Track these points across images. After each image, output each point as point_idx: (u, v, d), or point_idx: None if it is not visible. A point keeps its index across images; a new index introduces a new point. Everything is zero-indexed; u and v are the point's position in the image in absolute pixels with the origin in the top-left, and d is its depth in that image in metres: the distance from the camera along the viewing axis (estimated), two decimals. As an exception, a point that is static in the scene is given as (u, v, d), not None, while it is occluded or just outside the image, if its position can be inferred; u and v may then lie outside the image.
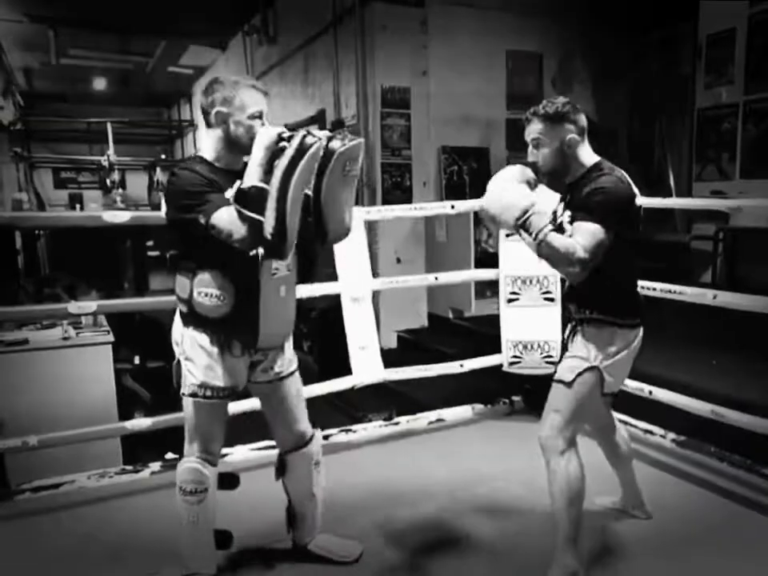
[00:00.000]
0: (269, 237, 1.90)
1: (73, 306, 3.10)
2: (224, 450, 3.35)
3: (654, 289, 3.24)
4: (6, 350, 3.36)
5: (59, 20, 8.21)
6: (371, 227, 5.52)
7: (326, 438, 3.64)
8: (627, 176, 2.21)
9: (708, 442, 3.27)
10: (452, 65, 6.26)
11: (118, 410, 3.53)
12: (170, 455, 3.37)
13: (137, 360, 4.79)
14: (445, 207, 3.98)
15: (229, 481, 2.32)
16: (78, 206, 12.76)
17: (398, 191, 6.06)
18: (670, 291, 3.19)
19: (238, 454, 3.35)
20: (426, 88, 6.02)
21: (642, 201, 3.60)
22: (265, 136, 2.00)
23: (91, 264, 6.98)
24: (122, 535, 2.67)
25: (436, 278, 4.09)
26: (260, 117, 2.11)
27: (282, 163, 1.90)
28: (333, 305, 3.73)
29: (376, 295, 4.07)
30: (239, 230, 1.94)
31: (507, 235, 3.82)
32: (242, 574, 2.41)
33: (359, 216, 3.64)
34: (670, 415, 3.30)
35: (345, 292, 3.55)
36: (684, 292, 3.15)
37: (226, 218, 1.95)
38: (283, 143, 1.95)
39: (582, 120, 2.21)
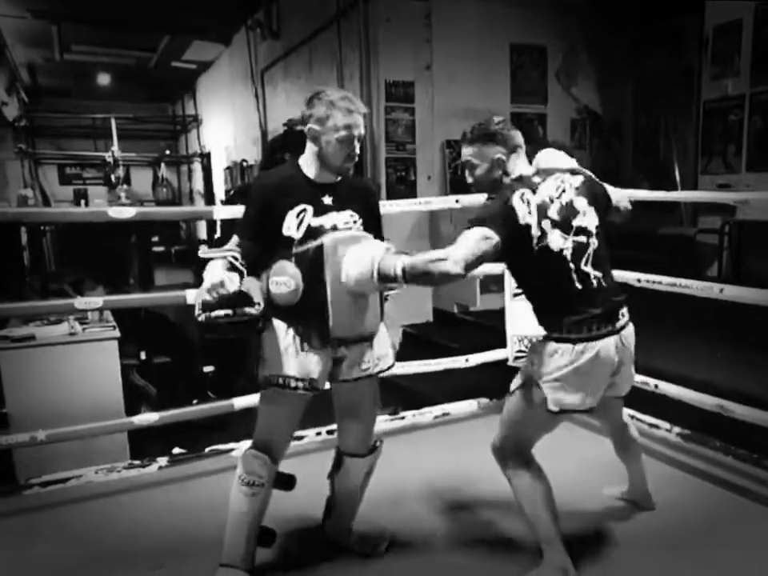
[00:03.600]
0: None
1: (79, 302, 3.10)
2: (231, 445, 3.38)
3: (660, 282, 3.23)
4: (13, 345, 3.37)
5: (62, 15, 8.22)
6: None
7: (331, 432, 3.65)
8: (520, 197, 2.14)
9: (713, 436, 3.27)
10: (456, 59, 6.24)
11: (124, 405, 3.54)
12: (177, 450, 3.39)
13: (143, 356, 4.80)
14: (449, 201, 3.97)
15: (286, 481, 2.32)
16: (83, 201, 12.79)
17: (403, 186, 6.07)
18: (675, 285, 3.18)
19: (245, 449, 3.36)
20: (430, 82, 6.02)
21: (647, 194, 3.61)
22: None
23: (97, 260, 7.00)
24: (130, 530, 2.68)
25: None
26: (350, 141, 2.15)
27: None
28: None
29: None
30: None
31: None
32: (272, 561, 2.42)
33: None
34: (677, 409, 3.29)
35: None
36: (690, 285, 3.14)
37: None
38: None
39: (514, 138, 2.24)
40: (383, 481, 3.02)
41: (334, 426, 3.65)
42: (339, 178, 2.23)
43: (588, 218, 2.21)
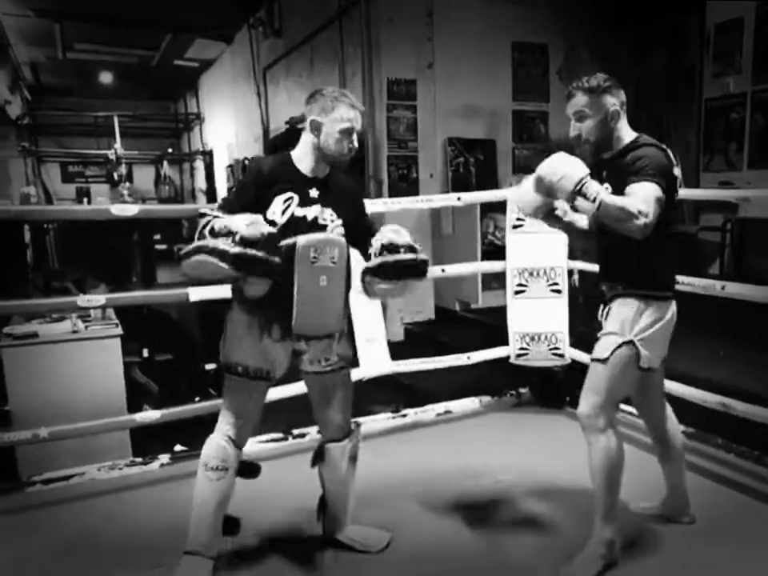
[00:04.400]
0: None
1: (82, 299, 3.11)
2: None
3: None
4: (15, 343, 3.37)
5: (65, 14, 8.22)
6: (377, 219, 5.52)
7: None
8: (667, 149, 2.22)
9: (715, 434, 3.27)
10: (458, 57, 6.24)
11: (126, 402, 3.55)
12: (178, 447, 3.40)
13: (145, 353, 4.81)
14: (451, 199, 3.97)
15: (251, 469, 2.34)
16: (85, 199, 12.79)
17: (405, 183, 6.06)
18: (677, 282, 3.18)
19: (249, 446, 3.36)
20: (431, 80, 6.02)
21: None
22: (244, 225, 2.01)
23: (99, 257, 7.00)
24: (132, 527, 2.69)
25: (443, 270, 4.08)
26: (350, 133, 2.23)
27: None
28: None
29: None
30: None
31: (514, 227, 3.82)
32: (267, 561, 2.44)
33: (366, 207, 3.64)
34: (679, 406, 3.29)
35: (351, 285, 3.55)
36: (692, 283, 3.14)
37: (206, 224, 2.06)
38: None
39: (622, 95, 2.24)
40: (386, 478, 3.04)
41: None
42: (328, 174, 2.28)
43: None
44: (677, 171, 2.20)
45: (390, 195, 5.74)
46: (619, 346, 2.23)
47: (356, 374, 3.57)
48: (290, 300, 2.11)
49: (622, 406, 3.82)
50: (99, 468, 3.20)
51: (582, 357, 3.70)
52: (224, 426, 2.27)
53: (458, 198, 3.87)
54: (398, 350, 3.84)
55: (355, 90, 6.19)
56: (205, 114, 12.44)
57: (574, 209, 2.20)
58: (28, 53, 10.12)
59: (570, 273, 3.84)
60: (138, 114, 12.97)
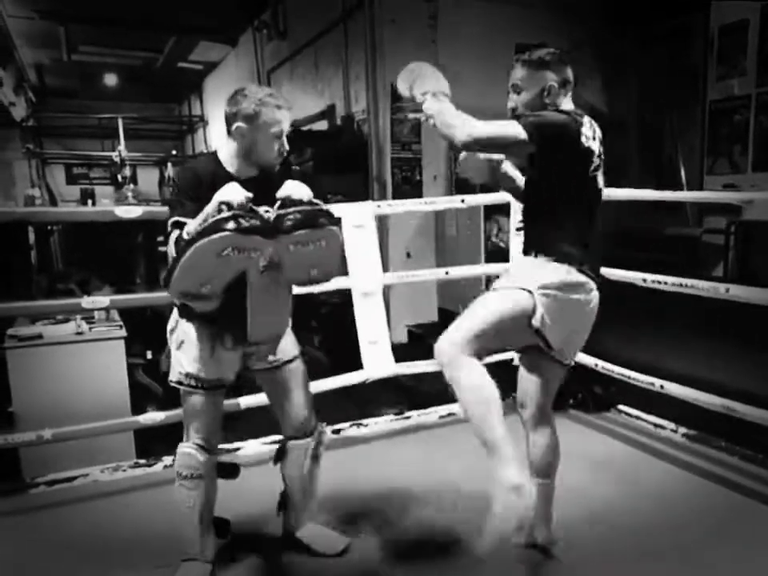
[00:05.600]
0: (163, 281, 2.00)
1: (86, 301, 3.12)
2: (236, 444, 3.40)
3: (666, 282, 3.23)
4: (20, 344, 3.38)
5: (69, 16, 8.24)
6: (381, 222, 5.52)
7: (337, 432, 3.66)
8: (588, 121, 2.11)
9: (719, 436, 3.27)
10: (461, 59, 6.23)
11: (130, 404, 3.55)
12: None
13: (149, 355, 4.82)
14: (455, 201, 3.97)
15: (229, 470, 2.36)
16: (89, 201, 12.82)
17: (408, 186, 6.07)
18: (681, 285, 3.18)
19: (250, 448, 3.37)
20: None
21: (652, 194, 3.61)
22: (226, 193, 1.97)
23: (103, 259, 7.01)
24: (135, 528, 2.69)
25: (446, 273, 4.09)
26: (280, 137, 2.15)
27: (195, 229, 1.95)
28: (343, 299, 3.74)
29: (386, 290, 4.07)
30: (171, 254, 2.02)
31: (518, 229, 3.81)
32: (259, 561, 2.45)
33: (370, 210, 3.64)
34: (682, 409, 3.29)
35: (355, 287, 3.56)
36: (696, 285, 3.14)
37: (171, 239, 2.04)
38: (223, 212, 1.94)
39: (567, 73, 2.19)
40: (388, 481, 3.03)
41: (338, 426, 3.69)
42: (259, 173, 2.20)
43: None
44: (590, 143, 2.08)
45: (394, 197, 5.74)
46: (515, 288, 2.11)
47: (359, 376, 3.59)
48: (240, 309, 2.08)
49: (621, 407, 3.83)
50: (103, 469, 3.20)
51: (585, 359, 3.69)
52: (190, 435, 2.27)
53: (462, 201, 3.87)
54: (401, 352, 3.83)
55: (359, 93, 6.20)
56: (209, 116, 12.46)
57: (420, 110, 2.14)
58: (33, 55, 10.15)
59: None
60: (143, 116, 13.01)
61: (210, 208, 1.96)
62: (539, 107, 2.15)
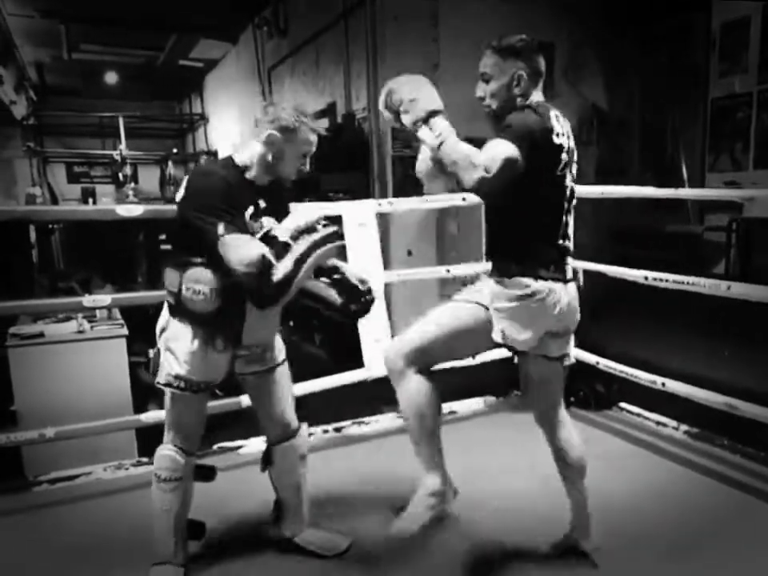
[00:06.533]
0: (274, 282, 1.96)
1: (87, 300, 3.12)
2: (239, 443, 3.40)
3: (667, 280, 3.23)
4: (21, 343, 3.39)
5: (70, 15, 8.24)
6: (383, 220, 5.52)
7: (338, 430, 3.67)
8: (554, 115, 2.05)
9: (721, 434, 3.27)
10: (463, 57, 6.20)
11: (132, 402, 3.56)
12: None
13: (151, 353, 4.82)
14: (456, 199, 3.97)
15: (205, 473, 2.36)
16: (90, 200, 12.82)
17: (410, 184, 6.05)
18: (682, 282, 3.18)
19: (253, 447, 3.37)
20: (437, 80, 6.00)
21: (654, 192, 3.60)
22: (309, 213, 2.08)
23: (105, 258, 7.02)
24: (138, 526, 2.68)
25: (448, 271, 4.08)
26: (306, 156, 2.19)
27: (312, 238, 2.00)
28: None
29: (388, 288, 4.08)
30: (252, 262, 1.95)
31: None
32: (226, 565, 2.44)
33: (371, 208, 3.65)
34: (684, 407, 3.29)
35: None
36: (697, 283, 3.14)
37: (244, 246, 1.97)
38: (318, 225, 2.04)
39: (538, 62, 2.11)
40: (390, 478, 3.04)
41: (340, 424, 3.70)
42: (272, 182, 2.22)
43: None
44: (561, 140, 2.02)
45: (395, 196, 5.73)
46: (466, 302, 2.15)
47: (362, 375, 3.59)
48: (235, 312, 2.11)
49: (623, 405, 3.83)
50: (105, 468, 3.21)
51: (587, 357, 3.69)
52: (171, 437, 2.27)
53: (463, 199, 3.87)
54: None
55: (360, 90, 6.20)
56: (209, 114, 12.45)
57: (415, 137, 2.09)
58: (33, 53, 10.14)
59: (575, 273, 3.82)
60: (143, 114, 12.99)
61: (305, 222, 2.02)
62: (507, 98, 2.09)
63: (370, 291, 2.28)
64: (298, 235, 2.02)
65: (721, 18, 6.04)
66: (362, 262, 3.56)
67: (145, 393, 3.53)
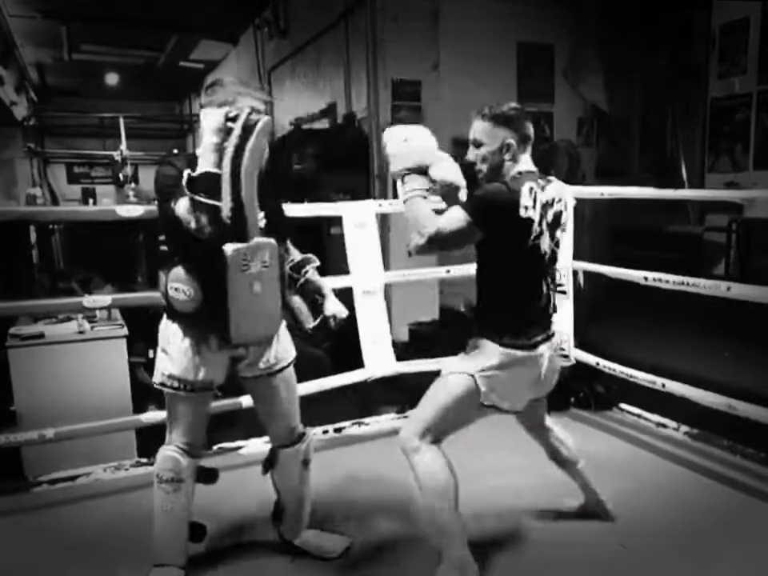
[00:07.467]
0: (227, 220, 1.87)
1: (87, 300, 3.12)
2: (239, 443, 3.40)
3: (667, 281, 3.22)
4: (22, 343, 3.39)
5: (71, 15, 8.24)
6: (383, 219, 5.52)
7: (338, 430, 3.67)
8: (527, 189, 2.11)
9: (721, 435, 3.27)
10: (463, 57, 6.23)
11: (132, 403, 3.56)
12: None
13: (151, 354, 4.82)
14: (456, 200, 3.96)
15: (207, 475, 2.34)
16: (91, 200, 12.82)
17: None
18: (682, 283, 3.18)
19: (253, 447, 3.37)
20: (437, 81, 6.01)
21: (654, 192, 3.60)
22: (211, 119, 1.93)
23: (105, 258, 7.02)
24: (137, 527, 2.67)
25: (448, 271, 4.08)
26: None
27: (230, 143, 1.88)
28: (344, 298, 3.74)
29: (388, 288, 4.07)
30: (198, 217, 1.90)
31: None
32: (225, 567, 2.43)
33: (371, 209, 3.64)
34: (684, 408, 3.29)
35: (357, 285, 3.56)
36: (697, 284, 3.14)
37: (183, 208, 1.92)
38: (230, 123, 1.89)
39: (527, 129, 2.21)
40: (389, 479, 3.03)
41: (340, 425, 3.70)
42: None
43: (561, 235, 2.28)
44: (530, 213, 2.08)
45: (395, 196, 5.73)
46: (457, 373, 2.22)
47: (361, 375, 3.59)
48: (223, 310, 2.03)
49: (623, 406, 3.83)
50: (105, 468, 3.21)
51: (587, 358, 3.69)
52: (173, 438, 2.25)
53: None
54: (402, 351, 3.83)
55: (360, 91, 6.20)
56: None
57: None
58: (34, 54, 10.15)
59: (576, 274, 3.83)
60: (144, 115, 13.00)
61: (213, 132, 1.94)
62: (497, 163, 2.20)
63: (334, 324, 2.36)
64: (219, 152, 1.90)
65: (720, 19, 6.05)
66: (362, 262, 3.56)
67: (145, 393, 3.53)
